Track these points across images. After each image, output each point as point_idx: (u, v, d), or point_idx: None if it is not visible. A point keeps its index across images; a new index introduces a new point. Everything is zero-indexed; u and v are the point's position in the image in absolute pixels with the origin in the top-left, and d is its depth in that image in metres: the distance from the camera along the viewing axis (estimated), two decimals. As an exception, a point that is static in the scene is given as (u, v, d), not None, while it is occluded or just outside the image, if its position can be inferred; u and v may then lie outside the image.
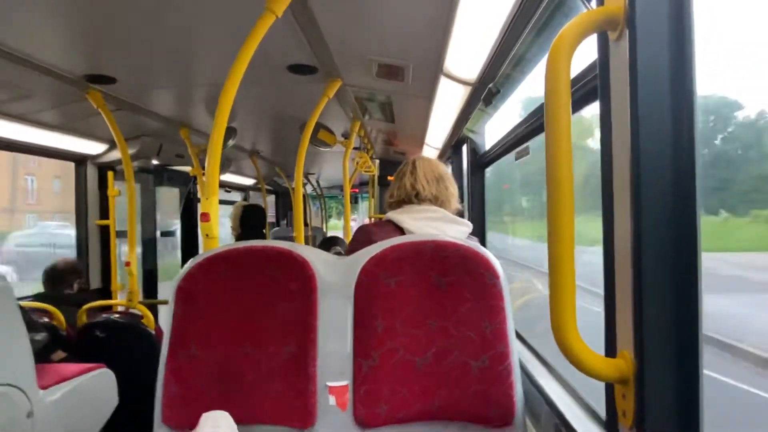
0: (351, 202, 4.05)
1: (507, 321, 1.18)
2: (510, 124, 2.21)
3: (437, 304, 1.20)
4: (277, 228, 7.18)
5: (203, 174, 1.60)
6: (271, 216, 7.53)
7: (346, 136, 3.37)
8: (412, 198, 1.61)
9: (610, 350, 0.86)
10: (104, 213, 3.32)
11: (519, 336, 1.87)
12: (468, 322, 1.18)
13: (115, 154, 3.27)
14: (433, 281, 1.20)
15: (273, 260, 1.24)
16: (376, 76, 2.24)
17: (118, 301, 2.88)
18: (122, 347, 2.46)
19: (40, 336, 2.09)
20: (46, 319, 2.50)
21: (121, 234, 2.97)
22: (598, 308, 0.93)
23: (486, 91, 2.09)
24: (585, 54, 1.00)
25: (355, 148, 4.07)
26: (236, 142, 3.65)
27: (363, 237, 1.54)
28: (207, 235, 1.47)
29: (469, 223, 1.59)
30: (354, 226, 3.57)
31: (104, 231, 3.36)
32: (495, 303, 1.18)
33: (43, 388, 1.80)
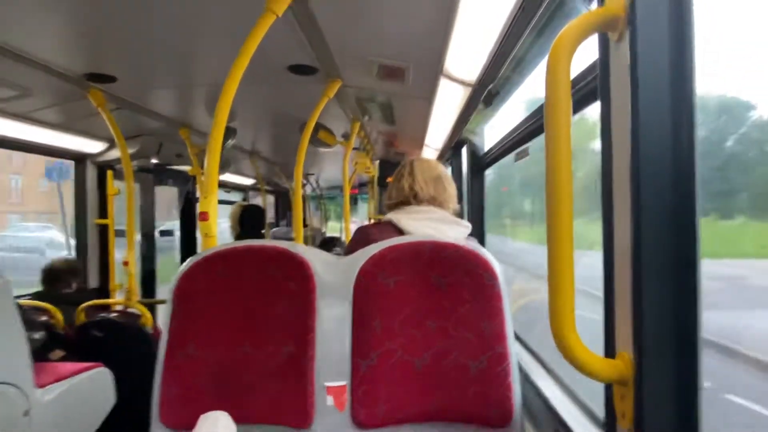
0: (350, 203, 4.05)
1: (506, 322, 1.18)
2: (510, 126, 2.22)
3: (436, 304, 1.20)
4: (277, 228, 7.18)
5: (202, 174, 1.60)
6: (270, 216, 7.53)
7: (346, 136, 3.37)
8: (410, 199, 1.61)
9: (609, 351, 0.86)
10: (103, 212, 3.32)
11: (518, 337, 1.87)
12: (467, 323, 1.18)
13: (115, 153, 3.27)
14: (432, 282, 1.20)
15: (272, 260, 1.24)
16: (377, 76, 2.24)
17: (117, 300, 2.87)
18: (120, 346, 2.46)
19: (38, 335, 2.09)
20: (44, 318, 2.49)
21: (119, 233, 2.97)
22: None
23: (486, 93, 2.09)
24: (585, 55, 1.00)
25: (354, 149, 4.07)
26: (236, 142, 3.65)
27: (362, 237, 1.53)
28: (206, 235, 1.46)
29: (468, 224, 1.59)
30: (353, 227, 3.57)
31: (103, 230, 3.36)
32: (494, 304, 1.18)
33: (41, 386, 1.79)
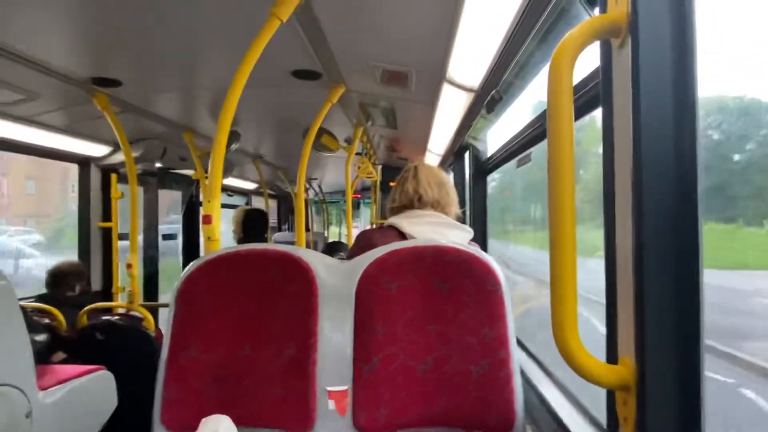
0: (352, 208, 4.06)
1: (508, 327, 1.18)
2: (512, 132, 2.22)
3: (438, 309, 1.20)
4: (279, 233, 7.19)
5: (206, 177, 1.61)
6: (272, 221, 7.54)
7: (349, 141, 3.38)
8: (414, 202, 1.61)
9: (612, 357, 0.86)
10: (107, 215, 3.33)
11: (519, 343, 1.86)
12: (468, 328, 1.18)
13: (119, 157, 3.28)
14: (434, 286, 1.20)
15: (274, 263, 1.25)
16: (380, 82, 2.25)
17: (119, 303, 2.88)
18: (122, 349, 2.46)
19: (41, 337, 2.09)
20: (47, 321, 2.50)
21: (123, 236, 2.98)
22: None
23: (489, 98, 2.10)
24: (587, 61, 1.00)
25: (357, 154, 4.08)
26: (239, 146, 3.66)
27: (364, 242, 1.54)
28: (209, 238, 1.47)
29: (471, 229, 1.59)
30: (355, 232, 3.58)
31: (106, 233, 3.37)
32: (496, 309, 1.18)
33: (43, 389, 1.79)
